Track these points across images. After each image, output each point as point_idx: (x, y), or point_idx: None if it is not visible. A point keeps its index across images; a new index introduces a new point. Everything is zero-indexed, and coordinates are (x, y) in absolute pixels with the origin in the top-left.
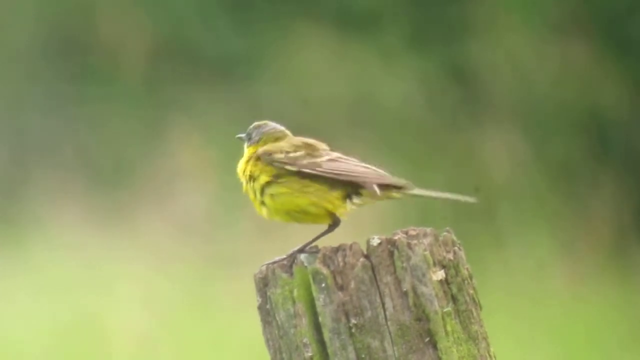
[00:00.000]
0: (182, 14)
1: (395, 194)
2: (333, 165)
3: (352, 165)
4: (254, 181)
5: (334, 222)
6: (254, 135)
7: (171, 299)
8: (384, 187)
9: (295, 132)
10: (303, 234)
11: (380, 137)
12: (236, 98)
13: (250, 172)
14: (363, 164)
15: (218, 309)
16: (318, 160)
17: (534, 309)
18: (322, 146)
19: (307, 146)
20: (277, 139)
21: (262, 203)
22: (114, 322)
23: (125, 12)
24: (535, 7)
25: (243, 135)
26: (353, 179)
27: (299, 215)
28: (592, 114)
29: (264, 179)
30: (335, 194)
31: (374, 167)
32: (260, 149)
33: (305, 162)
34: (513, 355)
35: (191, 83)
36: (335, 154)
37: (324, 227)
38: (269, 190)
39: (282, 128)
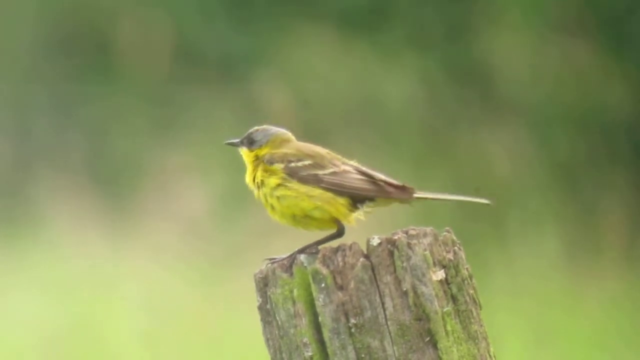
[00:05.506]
0: (183, 13)
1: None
2: (335, 179)
3: (355, 181)
4: (264, 187)
5: (339, 229)
6: (259, 138)
7: (173, 298)
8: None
9: (296, 132)
10: (307, 234)
11: (382, 137)
12: (237, 97)
13: (262, 177)
14: (368, 178)
15: (221, 308)
16: (320, 172)
17: (539, 308)
18: (332, 156)
19: (314, 156)
20: (284, 141)
21: (272, 207)
22: (117, 321)
23: (128, 11)
24: (537, 6)
25: (236, 140)
26: (355, 193)
27: (305, 220)
28: (596, 113)
29: (274, 181)
30: (341, 201)
31: (382, 179)
32: (267, 156)
33: (305, 173)
34: (518, 354)
35: (193, 82)
36: (343, 167)
37: (330, 231)
38: (277, 193)
39: (284, 131)
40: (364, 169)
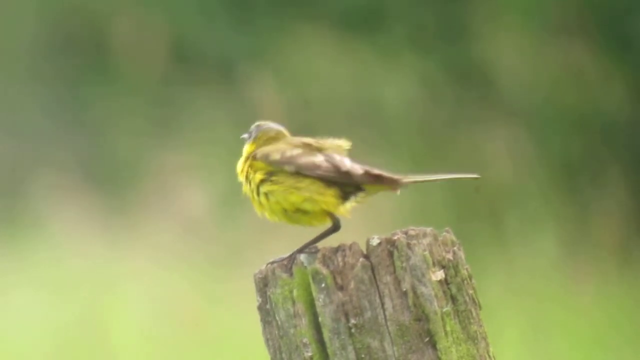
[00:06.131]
0: (182, 13)
1: (390, 189)
2: (328, 165)
3: (341, 165)
4: (250, 182)
5: (335, 224)
6: (252, 133)
7: (174, 298)
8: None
9: (296, 132)
10: (307, 234)
11: (382, 137)
12: (237, 97)
13: (247, 172)
14: (354, 165)
15: (221, 308)
16: (315, 159)
17: (538, 307)
18: (325, 144)
19: (305, 145)
20: (272, 138)
21: (260, 203)
22: (118, 320)
23: (126, 12)
24: (536, 7)
25: (246, 135)
26: (343, 179)
27: (296, 215)
28: (595, 115)
29: (258, 177)
30: (330, 192)
31: (365, 169)
32: (259, 152)
33: (302, 160)
34: (517, 353)
35: (193, 82)
36: (333, 155)
37: (325, 228)
38: (263, 189)
39: (280, 128)
40: (336, 158)
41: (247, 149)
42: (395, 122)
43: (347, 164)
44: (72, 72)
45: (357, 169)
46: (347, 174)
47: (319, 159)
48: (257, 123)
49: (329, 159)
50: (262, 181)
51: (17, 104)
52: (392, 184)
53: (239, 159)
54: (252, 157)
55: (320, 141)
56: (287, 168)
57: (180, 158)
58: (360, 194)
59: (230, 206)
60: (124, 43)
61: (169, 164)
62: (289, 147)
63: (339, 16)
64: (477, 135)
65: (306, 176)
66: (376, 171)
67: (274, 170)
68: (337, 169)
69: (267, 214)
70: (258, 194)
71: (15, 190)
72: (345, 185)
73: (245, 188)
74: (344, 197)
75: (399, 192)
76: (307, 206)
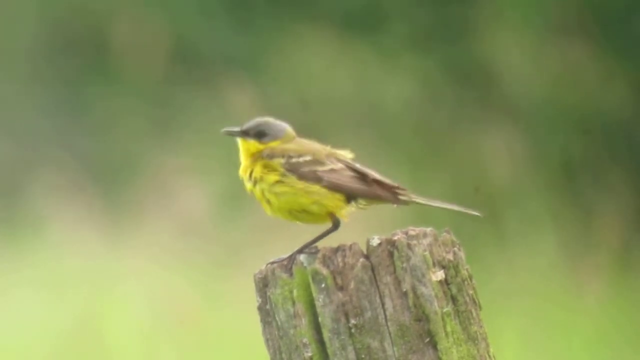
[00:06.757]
0: (182, 14)
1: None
2: (333, 177)
3: (348, 180)
4: (262, 182)
5: (335, 224)
6: (272, 132)
7: (173, 298)
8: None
9: (297, 133)
10: (308, 233)
11: (381, 138)
12: (237, 98)
13: (261, 174)
14: (360, 176)
15: (220, 308)
16: (320, 169)
17: (538, 307)
18: (328, 152)
19: (314, 152)
20: (292, 137)
21: (268, 201)
22: (118, 320)
23: (126, 12)
24: (536, 7)
25: (236, 129)
26: (348, 192)
27: (301, 214)
28: (595, 115)
29: (272, 178)
30: (338, 196)
31: (374, 178)
32: (266, 151)
33: (306, 169)
34: (517, 354)
35: (192, 83)
36: (340, 164)
37: (325, 227)
38: (275, 189)
39: (284, 126)
40: (357, 166)
41: (257, 146)
42: (395, 123)
43: (375, 174)
44: (73, 72)
45: (387, 181)
46: (374, 183)
47: (325, 168)
48: (257, 120)
49: (349, 165)
50: (277, 182)
51: (18, 104)
52: (397, 203)
53: (238, 158)
54: (262, 156)
55: (327, 148)
56: (289, 174)
57: (180, 158)
58: (362, 201)
59: (229, 206)
60: (124, 43)
61: (169, 164)
62: (296, 152)
63: (339, 16)
64: (477, 135)
65: (315, 182)
66: (390, 183)
67: (287, 171)
68: (362, 176)
69: (271, 211)
70: (269, 192)
71: (15, 190)
72: (349, 193)
73: (252, 187)
74: (348, 201)
75: (396, 206)
76: (314, 208)
